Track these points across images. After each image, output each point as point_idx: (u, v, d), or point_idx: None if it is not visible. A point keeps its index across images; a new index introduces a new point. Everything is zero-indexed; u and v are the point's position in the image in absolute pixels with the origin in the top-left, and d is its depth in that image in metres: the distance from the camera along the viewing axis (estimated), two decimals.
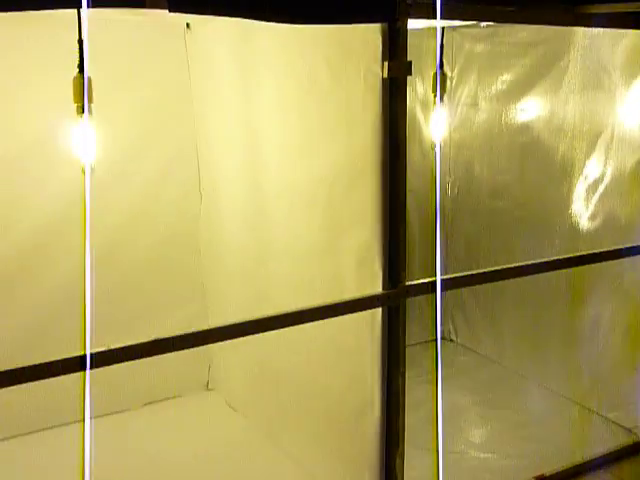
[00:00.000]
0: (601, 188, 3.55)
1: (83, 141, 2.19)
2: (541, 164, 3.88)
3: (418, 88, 4.27)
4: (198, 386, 4.03)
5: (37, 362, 1.95)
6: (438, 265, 2.43)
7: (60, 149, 2.63)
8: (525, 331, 4.15)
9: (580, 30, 3.50)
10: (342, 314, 2.50)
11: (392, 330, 2.56)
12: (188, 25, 3.52)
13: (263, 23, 2.22)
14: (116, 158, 3.33)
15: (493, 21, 3.35)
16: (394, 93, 2.35)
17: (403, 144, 2.39)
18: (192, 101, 3.66)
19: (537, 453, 3.34)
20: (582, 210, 3.68)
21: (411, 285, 2.52)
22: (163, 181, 3.70)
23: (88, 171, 2.23)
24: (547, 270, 3.02)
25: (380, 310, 2.55)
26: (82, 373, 2.03)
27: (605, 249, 3.18)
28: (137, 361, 2.29)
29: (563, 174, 3.74)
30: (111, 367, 2.05)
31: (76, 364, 1.99)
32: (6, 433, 3.48)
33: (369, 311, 2.55)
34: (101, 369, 2.03)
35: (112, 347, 2.04)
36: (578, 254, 3.11)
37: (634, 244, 3.22)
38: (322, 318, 2.47)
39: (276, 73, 2.92)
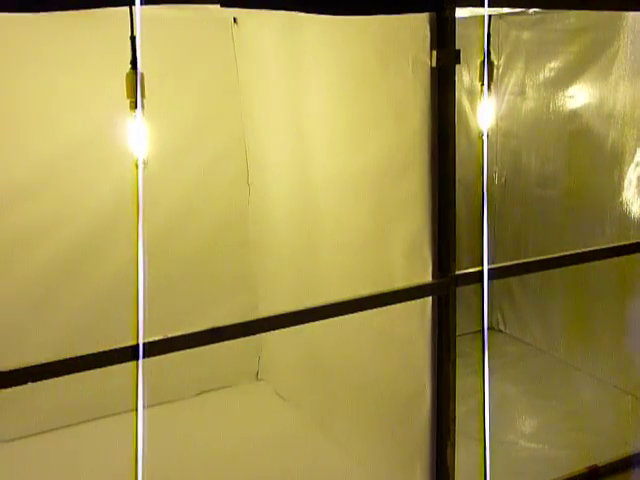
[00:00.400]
0: None
1: (136, 136, 2.24)
2: (590, 152, 3.83)
3: (464, 77, 4.24)
4: (248, 376, 4.07)
5: (92, 351, 2.00)
6: (486, 253, 2.42)
7: (112, 144, 2.70)
8: (574, 321, 4.10)
9: (630, 15, 3.45)
10: (392, 303, 2.51)
11: (442, 319, 2.56)
12: (235, 20, 3.56)
13: (310, 15, 2.25)
14: (166, 152, 3.38)
15: (542, 7, 3.32)
16: (442, 82, 2.35)
17: (452, 132, 2.39)
18: (240, 94, 3.70)
19: (588, 444, 3.30)
20: (633, 198, 3.63)
21: (461, 274, 2.52)
22: (212, 174, 3.74)
23: (141, 165, 2.27)
24: (597, 259, 2.99)
25: (430, 299, 2.56)
26: (135, 362, 2.08)
27: None
28: (189, 351, 2.34)
29: (613, 162, 3.68)
30: (165, 357, 2.10)
31: (129, 354, 2.03)
32: (59, 423, 3.57)
33: (419, 300, 2.56)
34: (155, 359, 2.08)
35: (165, 336, 2.08)
36: (629, 242, 3.07)
37: None
38: (371, 307, 2.49)
39: (324, 64, 2.94)
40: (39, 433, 3.50)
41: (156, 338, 2.04)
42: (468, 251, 3.26)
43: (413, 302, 2.56)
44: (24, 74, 3.19)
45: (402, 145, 2.55)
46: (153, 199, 3.42)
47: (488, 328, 4.49)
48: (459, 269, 2.55)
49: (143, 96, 2.19)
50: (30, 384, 2.95)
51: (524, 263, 2.82)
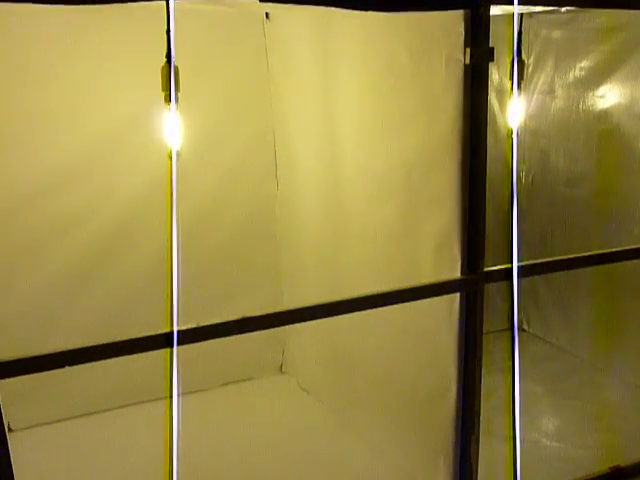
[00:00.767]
0: None
1: (170, 128, 2.27)
2: (620, 152, 3.81)
3: (493, 75, 4.23)
4: (272, 369, 4.12)
5: (127, 337, 2.03)
6: (515, 250, 2.43)
7: (146, 136, 2.74)
8: (600, 321, 4.09)
9: None
10: (419, 298, 2.53)
11: (470, 315, 2.57)
12: (267, 15, 3.59)
13: (343, 11, 2.26)
14: (197, 145, 3.42)
15: (574, 6, 3.31)
16: (475, 79, 2.36)
17: (484, 129, 2.39)
18: (270, 89, 3.73)
19: (612, 444, 3.30)
20: None
21: (489, 271, 2.53)
22: (241, 167, 3.78)
23: (174, 156, 2.31)
24: (625, 259, 2.98)
25: (458, 295, 2.56)
26: (167, 350, 2.11)
27: None
28: (215, 343, 2.37)
29: None
30: (191, 348, 2.12)
31: (163, 341, 2.06)
32: (87, 409, 3.63)
33: (447, 296, 2.57)
34: (182, 349, 2.10)
35: (198, 325, 2.11)
36: None
37: None
38: (399, 302, 2.50)
39: (355, 60, 2.96)
40: (69, 419, 3.57)
41: (190, 326, 2.07)
42: (493, 250, 3.26)
43: (440, 298, 2.57)
44: (62, 67, 3.25)
45: (433, 142, 2.56)
46: (183, 191, 3.47)
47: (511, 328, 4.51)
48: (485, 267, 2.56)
49: (178, 89, 2.22)
50: (63, 371, 3.02)
51: (552, 261, 2.81)
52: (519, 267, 2.54)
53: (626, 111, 3.76)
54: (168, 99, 2.22)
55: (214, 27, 3.46)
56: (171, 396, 2.19)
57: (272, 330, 3.89)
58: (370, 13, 2.33)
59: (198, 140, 3.41)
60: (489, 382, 3.00)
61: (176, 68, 2.18)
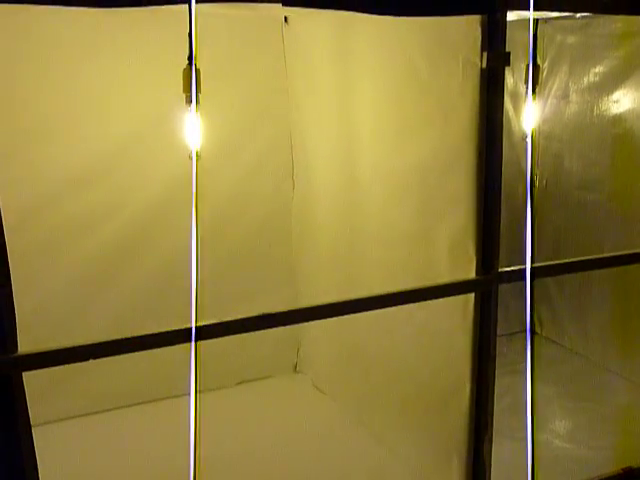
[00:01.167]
0: None
1: (191, 129, 2.32)
2: (633, 156, 3.84)
3: (508, 80, 4.26)
4: (287, 368, 4.16)
5: (149, 332, 2.07)
6: (528, 251, 2.45)
7: (167, 137, 2.78)
8: (613, 324, 4.11)
9: None
10: (434, 298, 2.56)
11: (484, 316, 2.59)
12: (286, 19, 3.64)
13: (362, 15, 2.30)
14: (215, 147, 3.46)
15: (589, 11, 3.34)
16: (492, 82, 2.39)
17: (500, 133, 2.43)
18: (288, 93, 3.78)
19: (624, 446, 3.32)
20: None
21: (504, 272, 2.55)
22: (258, 169, 3.84)
23: (194, 157, 2.35)
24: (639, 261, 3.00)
25: (473, 296, 2.59)
26: (187, 346, 2.15)
27: None
28: (231, 342, 2.39)
29: None
30: (207, 347, 2.15)
31: (184, 336, 2.09)
32: (103, 406, 3.69)
33: (462, 296, 2.60)
34: (199, 348, 2.15)
35: (218, 320, 2.15)
36: None
37: None
38: (415, 301, 2.53)
39: (373, 64, 3.00)
40: (84, 415, 3.63)
41: (210, 322, 2.11)
42: (507, 253, 3.29)
43: (455, 298, 2.60)
44: (86, 68, 3.31)
45: (449, 143, 2.60)
46: (203, 191, 3.52)
47: (524, 331, 4.53)
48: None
49: (199, 91, 2.27)
50: (83, 368, 3.07)
51: (567, 263, 2.84)
52: (533, 268, 2.57)
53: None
54: (189, 100, 2.27)
55: (234, 31, 3.52)
56: (189, 391, 2.23)
57: (287, 330, 3.97)
58: (388, 17, 2.37)
59: (217, 141, 3.45)
60: (501, 384, 3.01)
61: (197, 70, 2.23)
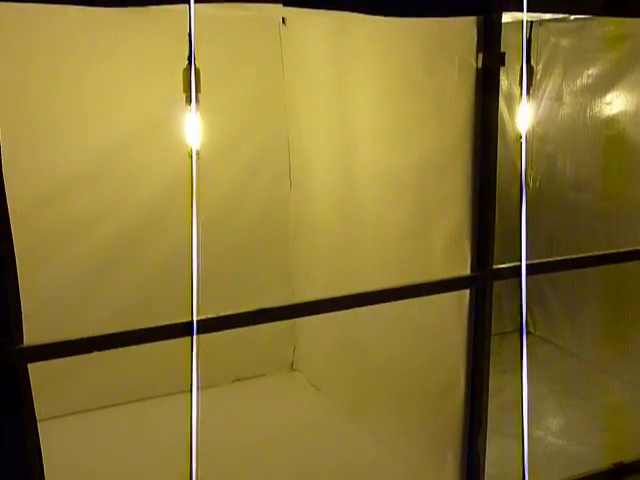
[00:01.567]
0: None
1: (190, 128, 2.36)
2: (626, 157, 3.89)
3: (502, 82, 4.31)
4: (283, 366, 4.19)
5: (150, 325, 2.10)
6: (524, 247, 2.48)
7: (167, 135, 2.82)
8: (606, 324, 4.15)
9: None
10: (429, 294, 2.60)
11: (479, 312, 2.63)
12: (284, 20, 3.68)
13: (359, 16, 2.34)
14: (213, 146, 3.50)
15: (582, 13, 3.38)
16: (487, 83, 2.44)
17: (495, 132, 2.47)
18: (285, 93, 3.82)
19: (615, 442, 3.36)
20: None
21: (499, 268, 2.60)
22: (255, 169, 3.88)
23: (194, 155, 2.39)
24: (633, 259, 3.03)
25: (467, 293, 2.63)
26: (182, 344, 2.19)
27: None
28: (227, 340, 2.39)
29: None
30: (204, 344, 2.18)
31: (184, 329, 2.12)
32: (102, 402, 3.72)
33: (457, 293, 2.64)
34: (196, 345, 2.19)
35: (218, 315, 2.18)
36: None
37: None
38: (409, 297, 2.57)
39: (370, 63, 3.04)
40: (82, 411, 3.66)
41: (210, 316, 2.15)
42: (499, 255, 3.33)
43: (450, 295, 2.65)
44: (91, 68, 3.35)
45: (445, 143, 2.64)
46: (200, 189, 3.56)
47: (516, 330, 4.59)
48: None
49: (198, 90, 2.30)
50: (87, 363, 3.11)
51: (560, 260, 2.88)
52: (527, 265, 2.60)
53: (632, 118, 3.83)
54: (189, 100, 2.31)
55: (232, 32, 3.55)
56: (191, 385, 2.26)
57: (283, 328, 4.01)
58: (384, 18, 2.41)
59: (215, 141, 3.50)
60: (494, 382, 3.04)
61: (197, 70, 2.26)
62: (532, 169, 4.57)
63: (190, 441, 2.24)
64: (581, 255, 2.89)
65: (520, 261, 2.55)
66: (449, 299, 2.68)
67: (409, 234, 2.97)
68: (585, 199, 4.22)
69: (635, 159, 3.82)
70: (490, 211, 2.54)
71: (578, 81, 4.19)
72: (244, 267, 3.95)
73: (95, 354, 2.04)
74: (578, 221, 4.29)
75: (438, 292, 2.60)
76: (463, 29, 2.43)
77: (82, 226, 3.48)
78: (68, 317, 3.43)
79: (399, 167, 2.96)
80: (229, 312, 2.21)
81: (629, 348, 3.99)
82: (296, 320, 4.03)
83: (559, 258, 2.87)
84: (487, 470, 2.83)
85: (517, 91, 3.73)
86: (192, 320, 2.13)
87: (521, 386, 2.60)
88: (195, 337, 2.14)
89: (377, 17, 2.40)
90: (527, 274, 2.56)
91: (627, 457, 3.21)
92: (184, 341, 2.16)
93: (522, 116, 2.85)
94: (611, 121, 3.98)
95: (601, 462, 3.19)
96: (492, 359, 2.79)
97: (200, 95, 2.31)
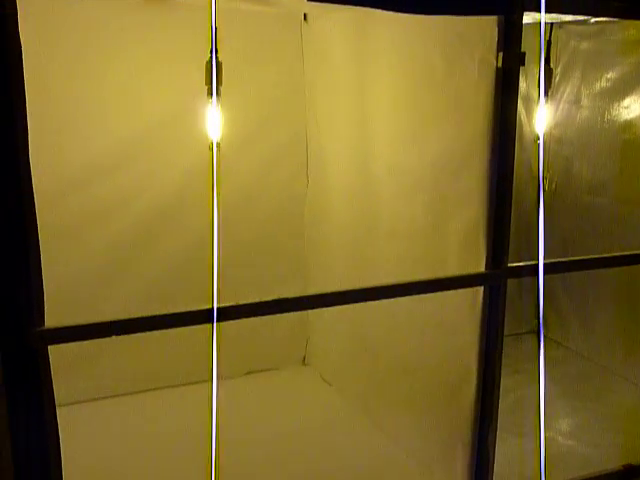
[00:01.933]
0: None
1: (211, 120, 2.38)
2: None
3: (521, 84, 4.31)
4: (295, 360, 4.22)
5: (170, 312, 2.12)
6: (541, 246, 2.49)
7: (188, 127, 2.85)
8: (618, 327, 4.16)
9: None
10: (443, 290, 2.62)
11: (492, 309, 2.64)
12: (305, 16, 3.71)
13: (381, 13, 2.36)
14: (232, 140, 3.53)
15: (602, 16, 3.38)
16: (507, 82, 2.46)
17: (513, 131, 2.49)
18: (305, 90, 3.85)
19: (625, 444, 3.37)
20: None
21: (514, 266, 2.60)
22: (273, 164, 3.91)
23: (215, 148, 2.42)
24: None
25: (482, 290, 2.64)
26: (203, 330, 2.21)
27: None
28: (242, 333, 2.41)
29: None
30: (220, 335, 2.21)
31: (204, 316, 2.14)
32: (118, 390, 3.76)
33: (471, 290, 2.65)
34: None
35: (237, 303, 2.21)
36: None
37: None
38: (423, 292, 2.58)
39: (390, 61, 3.06)
40: (97, 399, 3.70)
41: (228, 304, 2.17)
42: (515, 256, 3.34)
43: (465, 291, 2.66)
44: (114, 59, 3.41)
45: (463, 141, 2.66)
46: (219, 181, 3.60)
47: (529, 332, 4.60)
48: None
49: (220, 83, 2.33)
50: (99, 350, 3.14)
51: (576, 260, 2.89)
52: (545, 264, 2.59)
53: None
54: (210, 92, 2.33)
55: (254, 27, 3.59)
56: (211, 371, 2.29)
57: (296, 322, 4.03)
58: (405, 15, 2.44)
59: (235, 135, 3.53)
60: (504, 383, 3.06)
61: (219, 63, 2.29)
62: (548, 171, 4.57)
63: (211, 427, 2.27)
64: (596, 256, 2.89)
65: (537, 260, 2.55)
66: (463, 296, 2.69)
67: (425, 231, 2.99)
68: (601, 202, 4.22)
69: None
70: (506, 209, 2.55)
71: (597, 85, 4.20)
72: (260, 260, 3.98)
73: (112, 343, 2.06)
74: (593, 224, 4.29)
75: (452, 288, 2.62)
76: (484, 28, 2.44)
77: (103, 215, 3.54)
78: (86, 306, 3.47)
79: (416, 164, 2.98)
80: (248, 301, 2.24)
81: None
82: (309, 315, 4.07)
83: (575, 258, 2.87)
84: (495, 469, 2.84)
85: (535, 94, 3.73)
86: (212, 307, 2.16)
87: (539, 387, 2.62)
88: (215, 324, 2.16)
89: (398, 14, 2.42)
90: (544, 272, 2.56)
91: (637, 459, 3.21)
92: (196, 332, 2.19)
93: (540, 118, 2.87)
94: (628, 125, 3.99)
95: (611, 464, 3.20)
96: (504, 360, 2.80)
97: (221, 88, 2.34)
